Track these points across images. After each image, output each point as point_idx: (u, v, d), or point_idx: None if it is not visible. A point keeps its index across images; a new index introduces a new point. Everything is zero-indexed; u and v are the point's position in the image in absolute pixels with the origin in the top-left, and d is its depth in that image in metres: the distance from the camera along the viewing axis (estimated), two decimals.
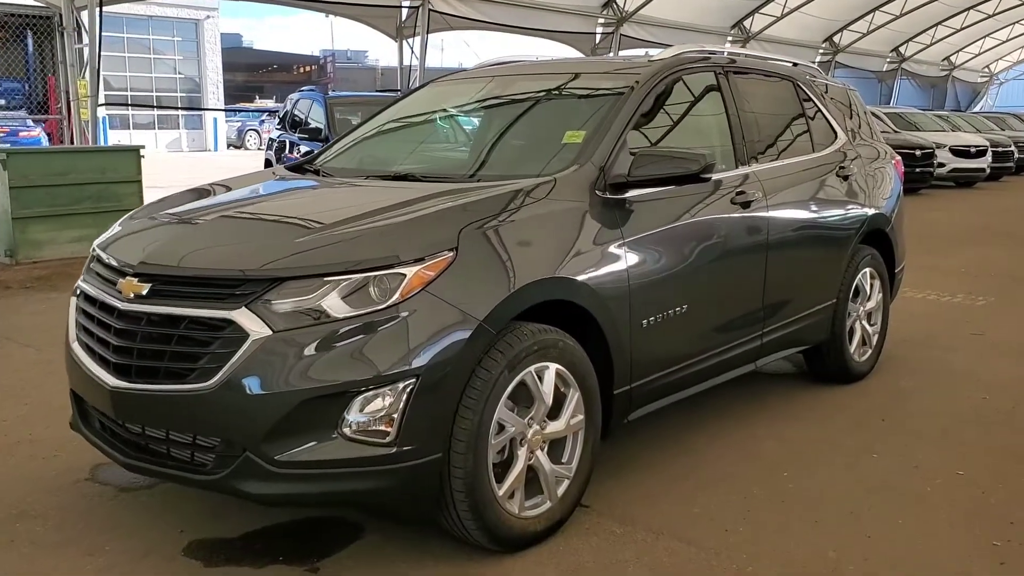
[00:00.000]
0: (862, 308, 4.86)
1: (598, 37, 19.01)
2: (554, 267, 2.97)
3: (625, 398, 3.34)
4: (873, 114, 18.15)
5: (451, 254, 2.73)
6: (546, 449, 3.02)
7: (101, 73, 10.54)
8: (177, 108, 32.49)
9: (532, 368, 2.90)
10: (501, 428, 2.84)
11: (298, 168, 3.98)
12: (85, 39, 10.30)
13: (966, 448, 3.93)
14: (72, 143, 10.64)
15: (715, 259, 3.70)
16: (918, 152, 16.58)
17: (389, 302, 2.61)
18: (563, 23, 17.94)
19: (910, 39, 29.19)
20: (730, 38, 22.46)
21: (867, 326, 4.91)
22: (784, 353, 4.37)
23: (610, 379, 3.24)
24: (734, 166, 3.98)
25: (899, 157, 5.38)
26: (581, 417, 3.11)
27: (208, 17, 32.51)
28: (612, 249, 3.20)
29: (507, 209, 2.99)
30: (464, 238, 2.78)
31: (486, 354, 2.75)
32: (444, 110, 4.30)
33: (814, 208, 4.39)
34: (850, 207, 4.66)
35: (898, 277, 5.24)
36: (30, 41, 30.17)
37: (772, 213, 4.02)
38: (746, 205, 3.86)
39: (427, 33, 14.62)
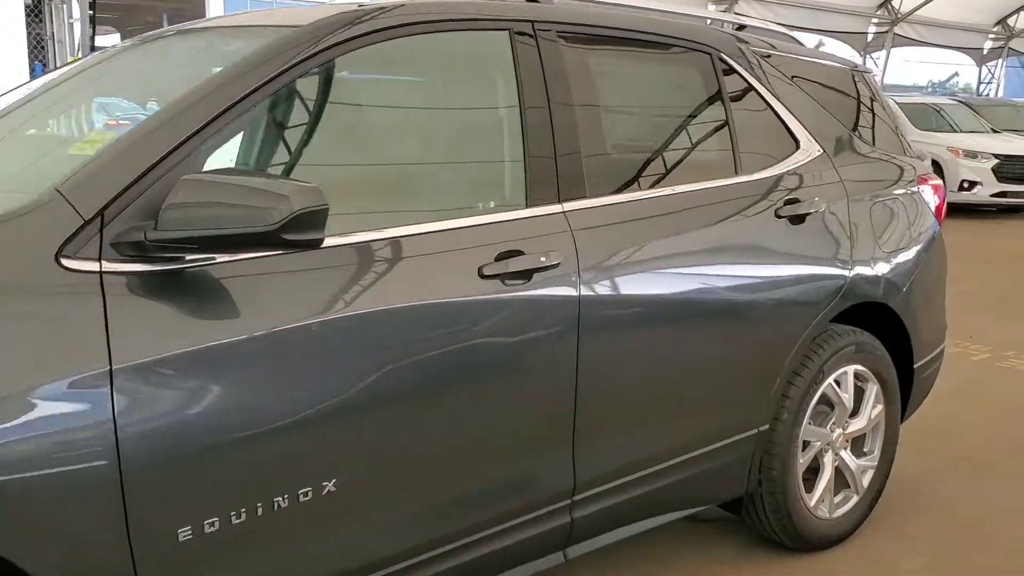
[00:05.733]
0: (839, 431, 2.92)
1: (870, 36, 19.42)
2: None
3: None
4: None
5: None
6: None
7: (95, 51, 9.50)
8: None
9: None
10: None
11: None
12: (75, 13, 9.27)
13: None
14: None
15: (424, 387, 1.93)
16: None
17: None
18: (835, 22, 17.98)
19: None
20: (991, 36, 21.49)
21: (849, 459, 2.96)
22: (641, 527, 2.51)
23: None
24: (523, 204, 2.18)
25: (938, 180, 3.35)
26: None
27: None
28: (69, 387, 1.51)
29: None
30: None
31: None
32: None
33: (706, 272, 2.47)
34: (804, 266, 2.72)
35: (922, 375, 3.23)
36: None
37: (591, 288, 2.18)
38: (525, 276, 2.06)
39: None
